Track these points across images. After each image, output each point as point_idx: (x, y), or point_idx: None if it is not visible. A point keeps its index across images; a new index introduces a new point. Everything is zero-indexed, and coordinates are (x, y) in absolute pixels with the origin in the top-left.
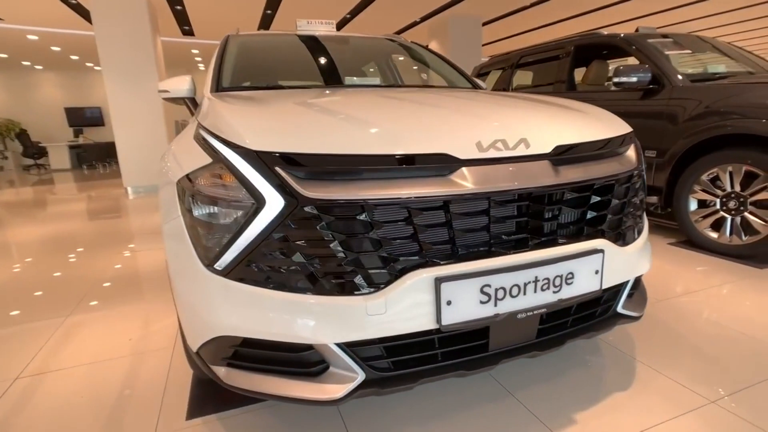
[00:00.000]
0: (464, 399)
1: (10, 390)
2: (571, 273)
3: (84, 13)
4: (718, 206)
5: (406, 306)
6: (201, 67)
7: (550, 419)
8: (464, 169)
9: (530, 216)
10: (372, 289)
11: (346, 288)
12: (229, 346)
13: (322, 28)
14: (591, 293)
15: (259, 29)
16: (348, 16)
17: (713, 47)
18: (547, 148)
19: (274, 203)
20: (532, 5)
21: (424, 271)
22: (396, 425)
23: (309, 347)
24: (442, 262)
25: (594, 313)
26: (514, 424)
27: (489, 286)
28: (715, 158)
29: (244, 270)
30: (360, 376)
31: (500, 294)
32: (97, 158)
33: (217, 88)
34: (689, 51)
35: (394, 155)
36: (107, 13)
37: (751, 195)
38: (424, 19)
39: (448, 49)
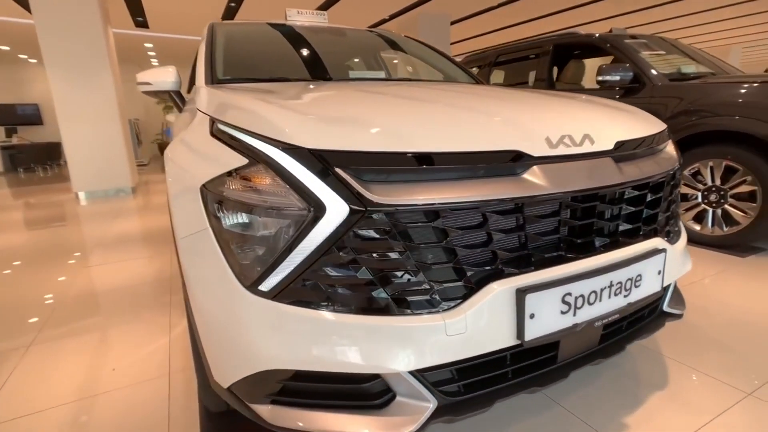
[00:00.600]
0: (511, 410)
1: None
2: (640, 275)
3: None
4: (699, 199)
5: (486, 322)
6: (155, 62)
7: (604, 427)
8: (536, 168)
9: (597, 216)
10: (449, 305)
11: (422, 306)
12: (276, 381)
13: (314, 19)
14: (654, 294)
15: None
16: None
17: (677, 48)
18: (610, 145)
19: (336, 210)
20: (500, 5)
21: (504, 281)
22: None
23: (375, 376)
24: (518, 271)
25: (644, 314)
26: None
27: (570, 294)
28: (696, 154)
29: (299, 291)
30: (432, 403)
31: (579, 302)
32: (35, 160)
33: (213, 79)
34: (661, 52)
35: (466, 153)
36: None
37: (731, 188)
38: (393, 16)
39: None
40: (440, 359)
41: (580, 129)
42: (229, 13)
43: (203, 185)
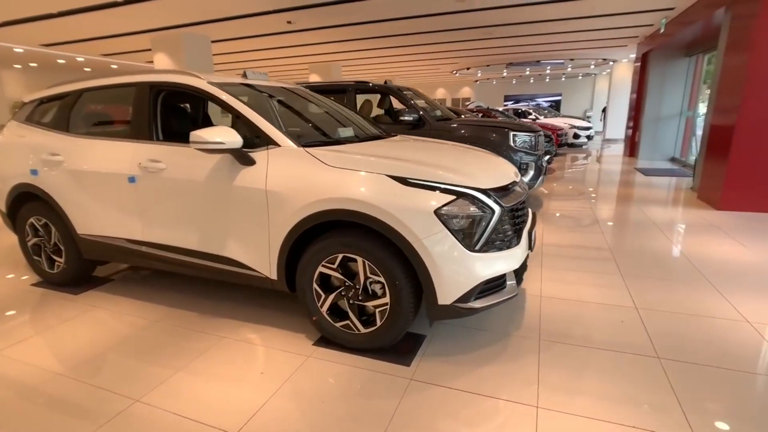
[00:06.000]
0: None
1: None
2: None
3: None
4: None
5: (523, 247)
6: None
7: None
8: (517, 186)
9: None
10: (519, 242)
11: (513, 243)
12: (479, 288)
13: (259, 77)
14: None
15: None
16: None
17: (422, 96)
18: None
19: (497, 211)
20: (260, 35)
21: (524, 231)
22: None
23: (504, 275)
24: (530, 225)
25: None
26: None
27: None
28: None
29: (487, 246)
30: (515, 283)
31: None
32: None
33: (301, 144)
34: (422, 100)
35: (507, 183)
36: None
37: None
38: (151, 30)
39: (183, 63)
40: (518, 264)
41: (508, 177)
42: None
43: (435, 210)
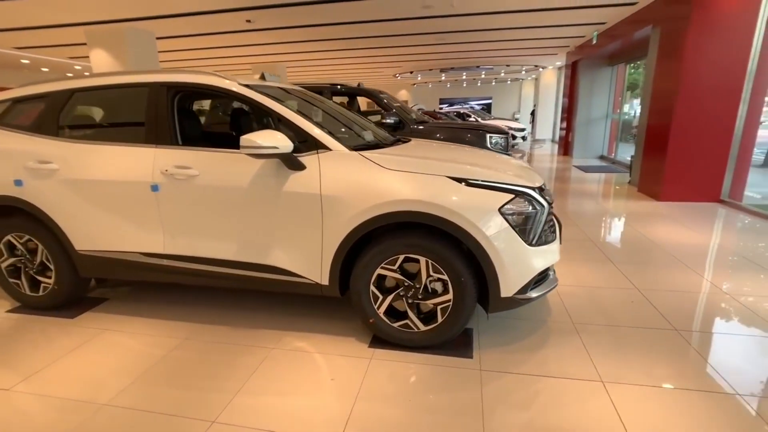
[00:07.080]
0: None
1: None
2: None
3: None
4: None
5: (558, 241)
6: None
7: None
8: (545, 189)
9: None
10: (555, 237)
11: (554, 238)
12: (535, 279)
13: (272, 80)
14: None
15: None
16: None
17: (397, 100)
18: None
19: (545, 207)
20: (210, 33)
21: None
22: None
23: (549, 267)
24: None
25: None
26: None
27: None
28: None
29: (538, 240)
30: (555, 275)
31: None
32: None
33: (352, 149)
34: (398, 103)
35: (539, 185)
36: None
37: None
38: (88, 23)
39: (126, 60)
40: (558, 256)
41: (538, 179)
42: None
43: (498, 208)
